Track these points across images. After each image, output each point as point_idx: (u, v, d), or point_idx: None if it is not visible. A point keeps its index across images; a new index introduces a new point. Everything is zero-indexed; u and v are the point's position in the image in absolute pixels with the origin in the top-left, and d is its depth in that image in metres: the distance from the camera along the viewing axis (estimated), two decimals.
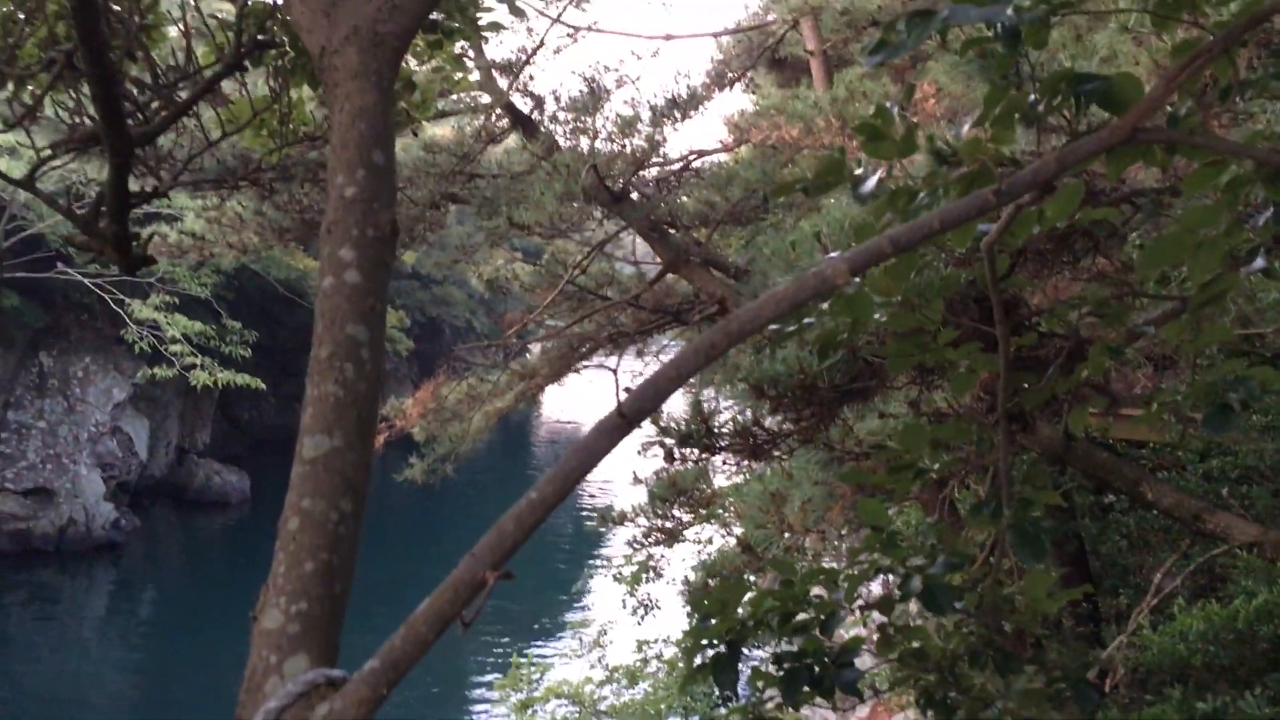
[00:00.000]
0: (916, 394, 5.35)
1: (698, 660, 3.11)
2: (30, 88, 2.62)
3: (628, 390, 1.64)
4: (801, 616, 3.16)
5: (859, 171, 2.20)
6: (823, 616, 3.07)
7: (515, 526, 1.49)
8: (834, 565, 3.55)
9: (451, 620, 1.47)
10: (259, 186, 11.09)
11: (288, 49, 2.80)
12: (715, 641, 3.12)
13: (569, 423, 43.07)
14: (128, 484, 26.35)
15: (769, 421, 4.93)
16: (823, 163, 2.15)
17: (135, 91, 2.65)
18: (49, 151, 2.70)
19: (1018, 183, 1.79)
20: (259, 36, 2.66)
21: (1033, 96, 2.04)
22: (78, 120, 2.62)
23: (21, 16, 2.53)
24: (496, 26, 5.31)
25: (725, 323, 1.62)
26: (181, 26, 2.72)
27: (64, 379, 25.15)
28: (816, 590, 3.29)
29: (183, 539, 27.85)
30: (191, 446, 29.65)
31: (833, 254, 2.08)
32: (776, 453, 5.32)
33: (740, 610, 3.15)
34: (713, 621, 3.13)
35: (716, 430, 5.18)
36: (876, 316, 2.72)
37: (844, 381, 4.64)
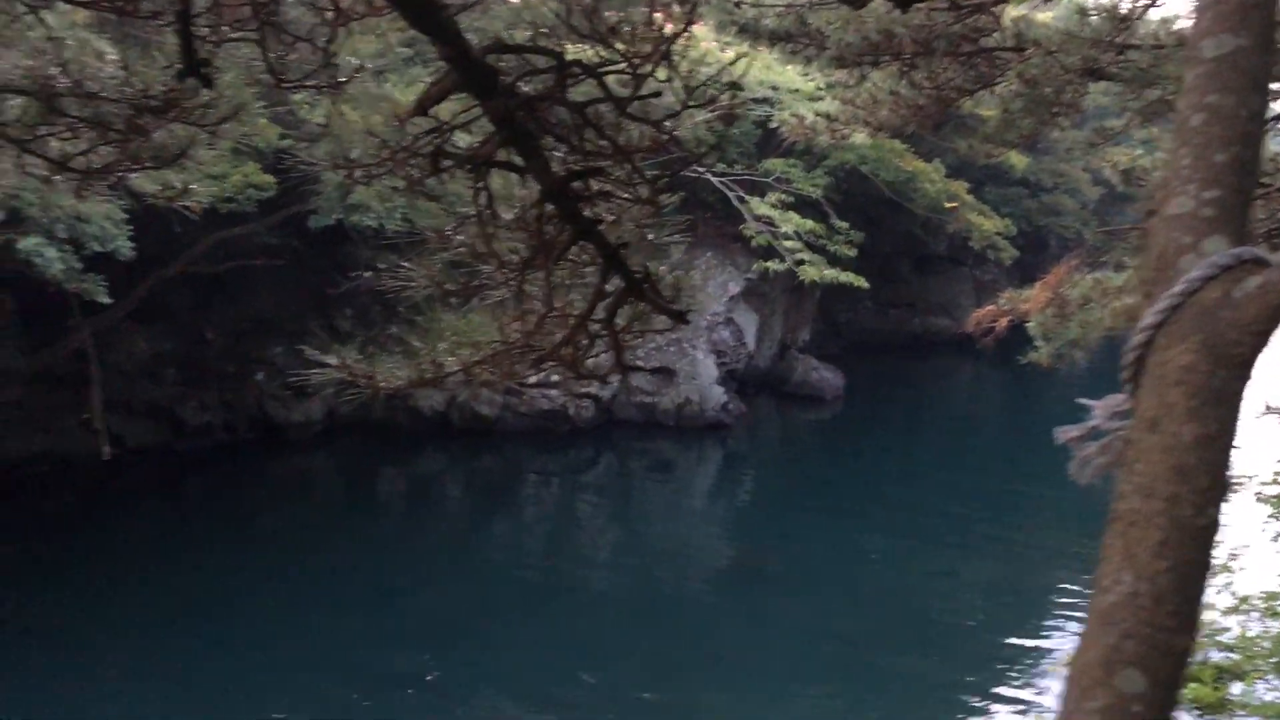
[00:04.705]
0: None
1: None
2: None
3: None
4: None
5: None
6: None
7: None
8: None
9: None
10: (899, 62, 11.18)
11: None
12: None
13: None
14: (736, 371, 28.56)
15: None
16: None
17: None
18: None
19: None
20: None
21: None
22: None
23: None
24: None
25: None
26: None
27: (687, 270, 27.72)
28: None
29: (781, 427, 29.74)
30: (792, 342, 31.40)
31: None
32: None
33: None
34: None
35: None
36: None
37: None
